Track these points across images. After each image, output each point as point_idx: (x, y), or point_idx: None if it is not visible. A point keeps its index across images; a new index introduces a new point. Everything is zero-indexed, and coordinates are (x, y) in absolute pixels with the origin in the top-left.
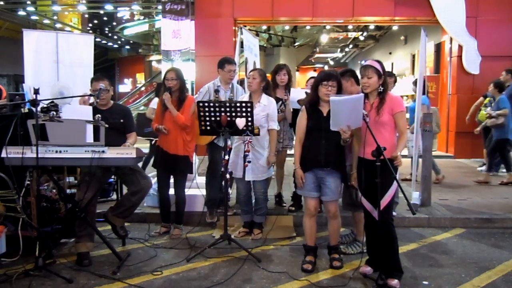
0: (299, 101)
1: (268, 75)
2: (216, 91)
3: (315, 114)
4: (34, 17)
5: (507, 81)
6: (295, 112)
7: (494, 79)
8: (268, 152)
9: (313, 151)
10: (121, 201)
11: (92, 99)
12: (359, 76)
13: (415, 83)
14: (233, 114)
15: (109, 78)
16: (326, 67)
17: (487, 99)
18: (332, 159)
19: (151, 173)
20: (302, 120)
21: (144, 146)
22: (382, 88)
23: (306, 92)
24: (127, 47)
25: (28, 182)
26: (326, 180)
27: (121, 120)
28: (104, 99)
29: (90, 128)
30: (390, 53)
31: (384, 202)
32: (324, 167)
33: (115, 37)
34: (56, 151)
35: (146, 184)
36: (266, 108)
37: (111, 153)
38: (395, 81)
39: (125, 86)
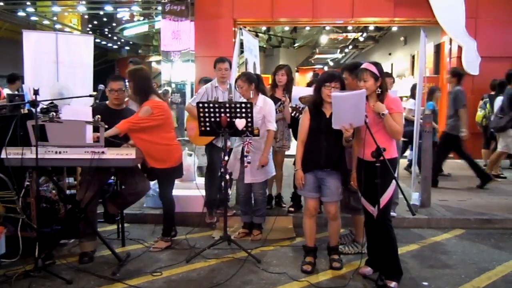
0: (300, 98)
1: (269, 75)
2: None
3: (318, 116)
4: (33, 18)
5: None
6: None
7: (494, 79)
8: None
9: (314, 152)
10: (120, 192)
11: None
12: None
13: (413, 88)
14: (233, 114)
15: (122, 79)
16: (325, 68)
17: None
18: (333, 160)
19: None
20: (305, 121)
21: None
22: (380, 90)
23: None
24: (127, 48)
25: (28, 183)
26: (326, 181)
27: None
28: (119, 99)
29: (90, 129)
30: (390, 54)
31: (382, 202)
32: (324, 168)
33: (115, 38)
34: (56, 152)
35: (143, 188)
36: (262, 110)
37: (111, 153)
38: (393, 81)
39: None
